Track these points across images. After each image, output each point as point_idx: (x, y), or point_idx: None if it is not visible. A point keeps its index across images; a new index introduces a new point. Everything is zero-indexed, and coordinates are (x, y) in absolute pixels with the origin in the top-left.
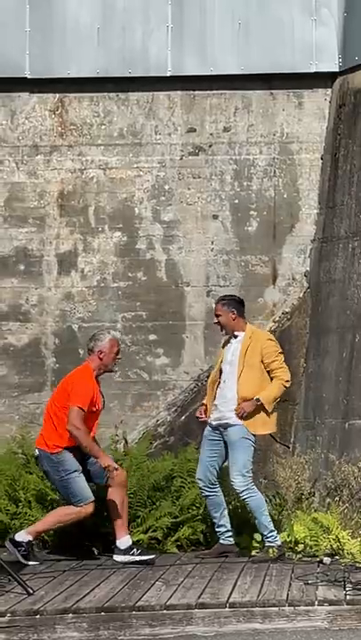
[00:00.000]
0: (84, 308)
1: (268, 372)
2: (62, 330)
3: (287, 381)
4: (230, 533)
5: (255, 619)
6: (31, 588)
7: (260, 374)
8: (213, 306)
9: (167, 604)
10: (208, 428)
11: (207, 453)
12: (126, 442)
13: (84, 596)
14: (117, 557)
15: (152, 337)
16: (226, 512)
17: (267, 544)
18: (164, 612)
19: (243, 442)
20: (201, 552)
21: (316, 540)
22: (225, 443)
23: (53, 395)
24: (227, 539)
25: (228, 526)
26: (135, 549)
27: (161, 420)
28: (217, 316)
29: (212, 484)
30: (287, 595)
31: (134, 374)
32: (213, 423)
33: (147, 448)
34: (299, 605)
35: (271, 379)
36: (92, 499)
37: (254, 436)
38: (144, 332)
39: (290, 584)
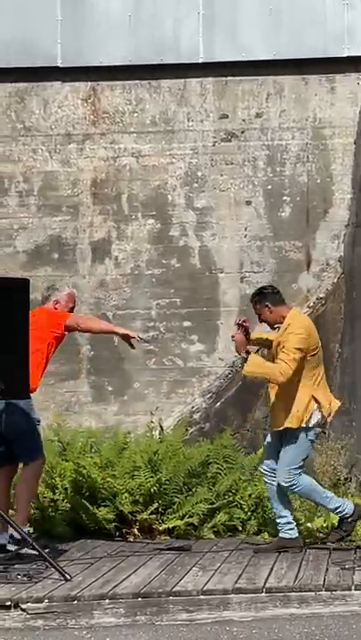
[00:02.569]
0: (119, 296)
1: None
2: (97, 317)
3: (281, 374)
4: (291, 526)
5: (292, 604)
6: (68, 575)
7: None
8: (247, 292)
9: (204, 589)
10: None
11: (269, 443)
12: (162, 429)
13: (121, 582)
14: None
15: (186, 324)
16: (287, 501)
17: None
18: (201, 597)
19: (296, 436)
20: (258, 546)
21: (354, 526)
22: None
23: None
24: (287, 532)
25: (290, 518)
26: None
27: (196, 407)
28: (258, 315)
29: (268, 472)
30: (324, 579)
31: (169, 361)
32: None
33: (182, 435)
34: (336, 590)
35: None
36: (43, 454)
37: (309, 429)
38: (178, 319)
39: (327, 569)
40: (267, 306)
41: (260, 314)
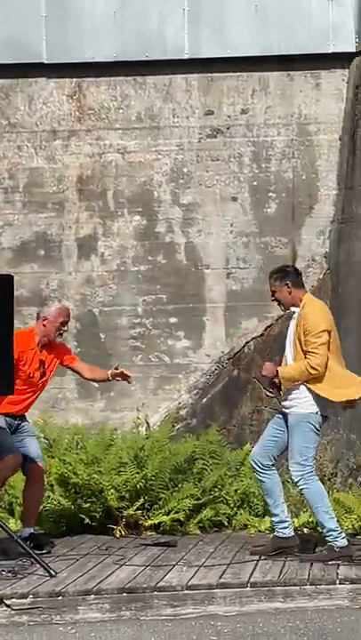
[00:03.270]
0: (105, 292)
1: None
2: (83, 314)
3: (313, 368)
4: (285, 524)
5: (277, 598)
6: (54, 570)
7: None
8: (233, 288)
9: (189, 584)
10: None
11: (266, 435)
12: (148, 425)
13: (106, 578)
14: None
15: (173, 320)
16: (282, 500)
17: (328, 543)
18: (186, 592)
19: (300, 426)
20: (253, 547)
21: (338, 520)
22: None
23: None
24: (281, 530)
25: (283, 516)
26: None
27: (183, 403)
28: (273, 292)
29: (265, 467)
30: (309, 574)
31: (155, 357)
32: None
33: (169, 431)
34: (320, 584)
35: None
36: (17, 453)
37: (319, 416)
38: (165, 315)
39: (311, 563)
40: (287, 284)
41: (277, 291)
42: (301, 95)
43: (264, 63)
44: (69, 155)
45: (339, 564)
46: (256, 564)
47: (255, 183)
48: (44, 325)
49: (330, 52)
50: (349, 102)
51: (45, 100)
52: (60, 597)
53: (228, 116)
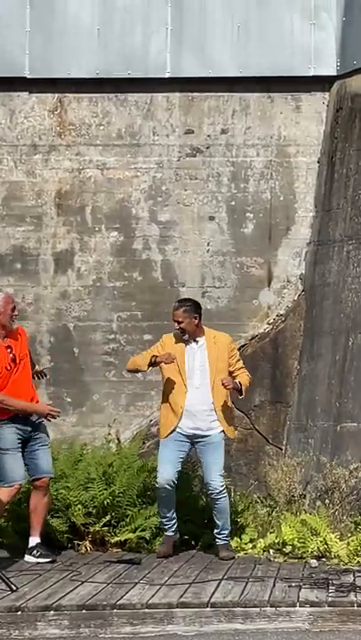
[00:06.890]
0: (80, 307)
1: (231, 372)
2: (58, 328)
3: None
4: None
5: (236, 619)
6: (15, 585)
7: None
8: (208, 307)
9: (149, 602)
10: (177, 432)
11: (175, 454)
12: (119, 441)
13: (67, 594)
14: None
15: (147, 337)
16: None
17: (223, 539)
18: (146, 610)
19: (223, 444)
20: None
21: (304, 542)
22: (192, 448)
23: None
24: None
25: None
26: (35, 551)
27: (155, 420)
28: (178, 322)
29: (174, 484)
30: (269, 595)
31: (129, 374)
32: (189, 432)
33: (139, 447)
34: (280, 606)
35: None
36: (19, 482)
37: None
38: (139, 332)
39: (274, 585)
40: (195, 317)
41: (184, 322)
42: (281, 117)
43: (245, 84)
44: (49, 169)
45: (301, 586)
46: (218, 584)
47: (233, 203)
48: None
49: (311, 74)
50: (329, 125)
51: (27, 115)
52: (20, 612)
53: (208, 136)
